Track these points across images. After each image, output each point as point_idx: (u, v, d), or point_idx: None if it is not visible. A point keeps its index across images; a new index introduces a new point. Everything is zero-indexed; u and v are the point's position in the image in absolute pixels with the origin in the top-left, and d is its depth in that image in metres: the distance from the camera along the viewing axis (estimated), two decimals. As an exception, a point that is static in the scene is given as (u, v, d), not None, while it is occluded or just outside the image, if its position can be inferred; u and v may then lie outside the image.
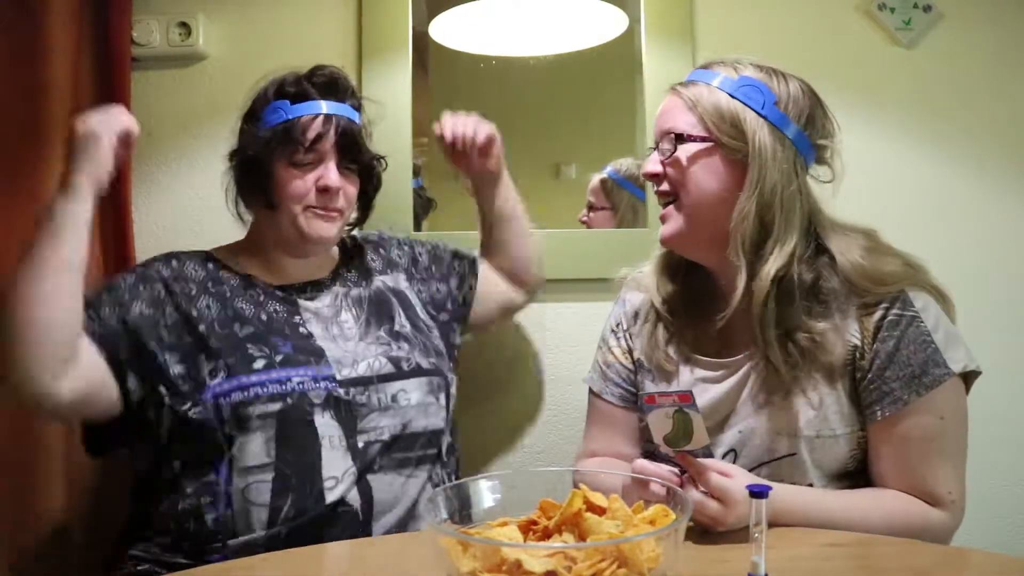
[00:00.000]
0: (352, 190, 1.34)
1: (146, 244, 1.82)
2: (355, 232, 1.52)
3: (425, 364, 1.31)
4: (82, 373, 1.13)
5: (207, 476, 1.16)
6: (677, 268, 1.27)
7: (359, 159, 1.33)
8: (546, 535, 0.80)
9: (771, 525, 0.90)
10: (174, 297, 1.24)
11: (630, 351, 1.31)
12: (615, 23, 1.81)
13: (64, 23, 1.65)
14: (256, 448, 1.16)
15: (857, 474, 1.14)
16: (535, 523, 0.82)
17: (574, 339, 1.79)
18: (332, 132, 1.27)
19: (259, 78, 1.36)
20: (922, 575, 0.89)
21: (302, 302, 1.33)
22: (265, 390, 1.17)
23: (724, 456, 1.15)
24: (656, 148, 1.20)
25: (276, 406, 1.17)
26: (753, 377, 1.15)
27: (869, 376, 1.10)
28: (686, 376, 1.22)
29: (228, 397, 1.16)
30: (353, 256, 1.46)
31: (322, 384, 1.20)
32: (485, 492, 0.90)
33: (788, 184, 1.13)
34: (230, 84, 1.84)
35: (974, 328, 1.75)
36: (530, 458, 1.77)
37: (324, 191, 1.28)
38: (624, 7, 1.79)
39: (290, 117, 1.27)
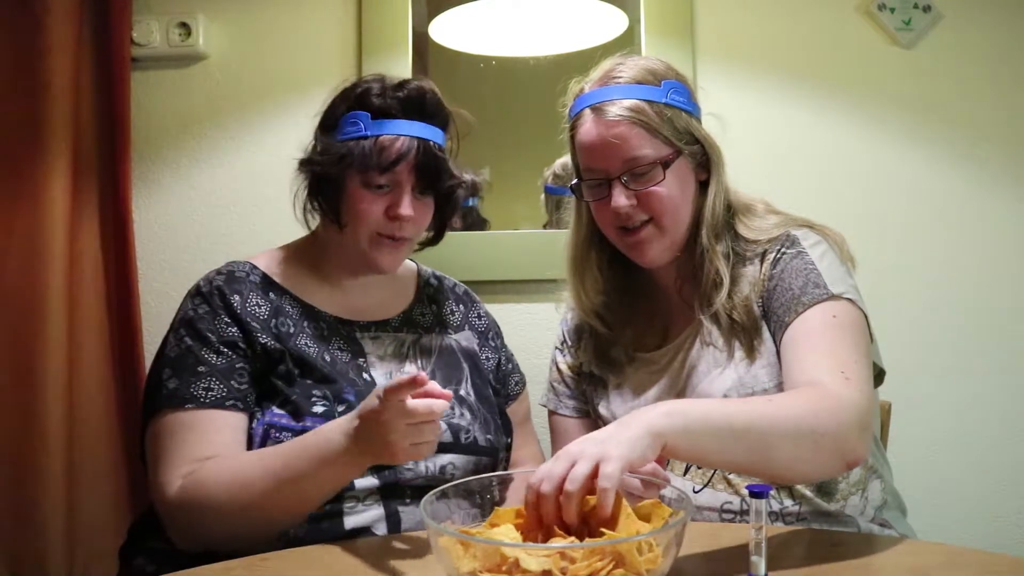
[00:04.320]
0: (426, 216, 1.23)
1: (146, 244, 1.83)
2: (443, 276, 1.43)
3: (482, 440, 1.21)
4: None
5: None
6: (598, 278, 1.26)
7: (437, 186, 1.21)
8: (548, 533, 0.80)
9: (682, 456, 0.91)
10: (246, 328, 1.15)
11: (578, 365, 1.32)
12: (615, 23, 1.81)
13: (64, 23, 1.66)
14: None
15: None
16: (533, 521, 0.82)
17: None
18: (412, 157, 1.16)
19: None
20: (922, 575, 0.89)
21: (366, 343, 1.24)
22: None
23: None
24: (612, 181, 1.13)
25: None
26: (689, 358, 1.18)
27: (767, 312, 1.12)
28: (632, 376, 1.23)
29: (279, 433, 1.10)
30: (432, 300, 1.36)
31: None
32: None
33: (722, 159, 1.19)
34: (230, 84, 1.85)
35: (974, 328, 1.77)
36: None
37: (395, 219, 1.18)
38: (624, 7, 1.79)
39: (368, 134, 1.16)
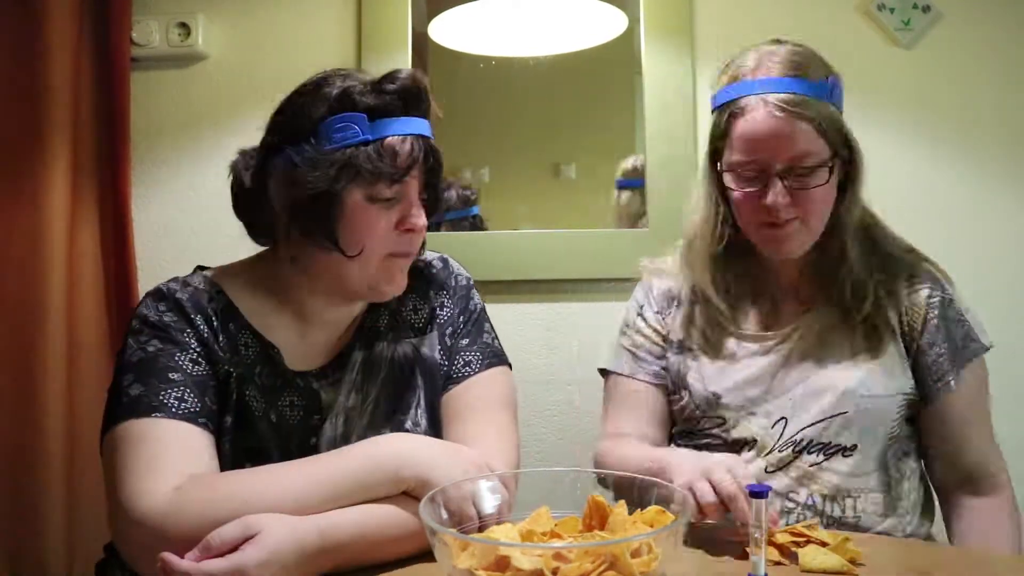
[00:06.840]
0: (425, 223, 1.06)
1: (146, 244, 1.83)
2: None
3: None
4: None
5: None
6: (718, 258, 1.24)
7: (438, 187, 1.05)
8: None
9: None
10: (205, 349, 1.00)
11: (663, 331, 1.29)
12: (615, 23, 1.81)
13: (64, 23, 1.66)
14: None
15: (904, 438, 1.18)
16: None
17: (574, 338, 1.79)
18: (421, 159, 1.00)
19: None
20: (922, 575, 0.89)
21: (324, 395, 1.06)
22: None
23: (775, 424, 1.16)
24: (771, 176, 1.10)
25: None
26: (800, 345, 1.18)
27: (925, 354, 1.17)
28: (732, 347, 1.22)
29: None
30: (391, 301, 1.11)
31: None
32: (485, 492, 0.90)
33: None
34: (230, 84, 1.85)
35: (974, 328, 1.77)
36: (530, 458, 1.77)
37: (408, 232, 1.01)
38: (624, 7, 1.79)
39: (371, 138, 0.97)
